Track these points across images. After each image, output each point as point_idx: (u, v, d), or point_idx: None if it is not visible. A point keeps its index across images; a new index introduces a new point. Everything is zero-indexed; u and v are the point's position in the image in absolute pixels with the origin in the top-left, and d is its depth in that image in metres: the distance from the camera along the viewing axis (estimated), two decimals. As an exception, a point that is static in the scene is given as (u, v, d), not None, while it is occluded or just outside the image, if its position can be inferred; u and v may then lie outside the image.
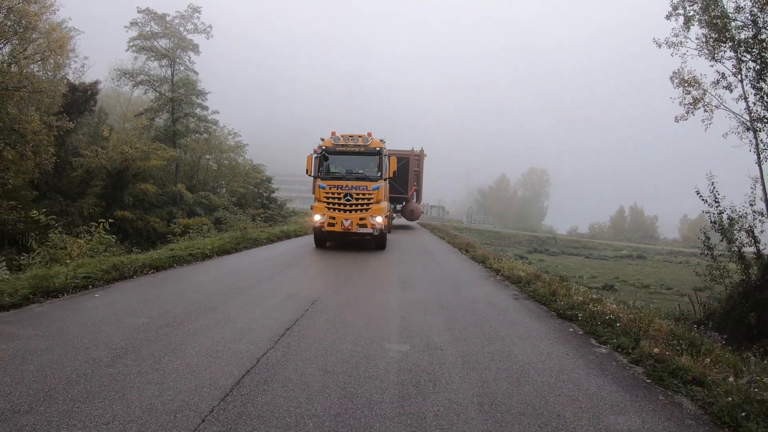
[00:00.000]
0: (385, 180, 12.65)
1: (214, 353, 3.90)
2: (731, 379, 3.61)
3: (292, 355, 3.92)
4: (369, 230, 12.04)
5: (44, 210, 11.51)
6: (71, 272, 6.77)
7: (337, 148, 12.52)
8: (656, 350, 4.11)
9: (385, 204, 12.92)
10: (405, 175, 23.09)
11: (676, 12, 13.74)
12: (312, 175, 12.63)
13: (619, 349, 4.44)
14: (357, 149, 12.47)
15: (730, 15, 12.30)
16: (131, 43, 30.94)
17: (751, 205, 10.90)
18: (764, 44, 11.89)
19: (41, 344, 4.08)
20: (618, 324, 4.95)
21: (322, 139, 12.87)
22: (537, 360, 4.12)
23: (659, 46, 14.18)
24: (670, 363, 3.87)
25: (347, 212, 12.06)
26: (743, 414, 3.04)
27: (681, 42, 13.64)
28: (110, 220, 11.67)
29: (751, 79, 12.05)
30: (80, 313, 5.24)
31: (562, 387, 3.51)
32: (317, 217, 12.28)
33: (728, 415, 3.06)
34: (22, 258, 11.34)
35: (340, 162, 12.61)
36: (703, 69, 13.38)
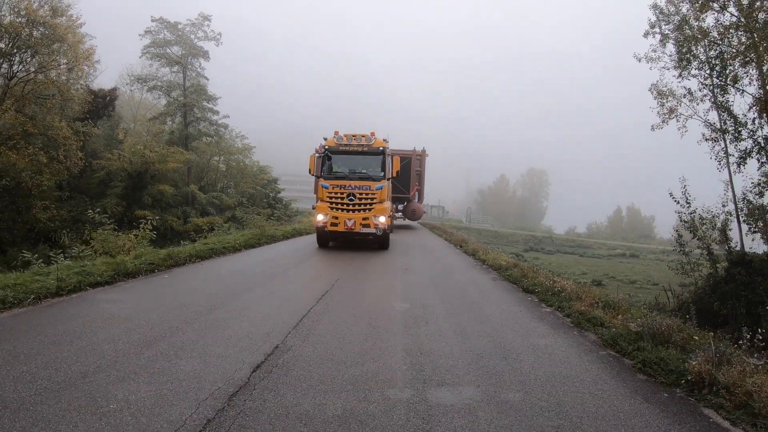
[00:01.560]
0: (388, 180, 12.64)
1: (277, 308, 5.70)
2: (630, 324, 5.36)
3: (330, 308, 5.73)
4: (372, 230, 12.05)
5: (97, 210, 13.23)
6: (137, 260, 8.50)
7: (340, 148, 12.42)
8: (582, 308, 5.89)
9: (388, 204, 13.09)
10: (407, 175, 23.22)
11: (653, 30, 15.45)
12: (315, 174, 12.59)
13: (559, 309, 6.25)
14: (360, 149, 12.38)
15: (704, 31, 13.84)
16: (145, 50, 32.58)
17: (724, 206, 12.46)
18: (726, 62, 13.65)
19: (148, 305, 5.82)
20: (563, 294, 6.74)
21: (325, 139, 12.80)
22: (498, 314, 5.94)
23: (639, 61, 15.78)
24: (589, 314, 5.65)
25: (350, 212, 12.02)
26: (621, 339, 4.81)
27: (658, 57, 15.32)
28: (157, 218, 13.40)
29: (714, 93, 13.79)
30: (162, 287, 7.03)
31: (510, 326, 5.32)
32: (320, 217, 12.19)
33: (611, 339, 4.84)
34: (73, 251, 13.10)
35: (343, 162, 12.56)
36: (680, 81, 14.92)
